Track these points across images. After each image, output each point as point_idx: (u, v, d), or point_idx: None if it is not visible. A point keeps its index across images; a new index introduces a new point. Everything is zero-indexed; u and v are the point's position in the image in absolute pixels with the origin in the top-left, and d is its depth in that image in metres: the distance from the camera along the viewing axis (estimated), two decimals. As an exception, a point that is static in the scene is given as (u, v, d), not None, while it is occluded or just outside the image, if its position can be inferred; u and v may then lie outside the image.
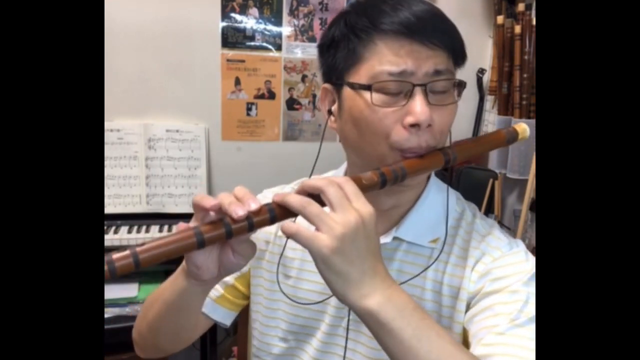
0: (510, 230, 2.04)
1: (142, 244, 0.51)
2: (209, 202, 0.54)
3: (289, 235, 0.53)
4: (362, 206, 0.53)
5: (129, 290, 1.72)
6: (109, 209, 1.80)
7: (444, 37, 0.62)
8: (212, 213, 0.56)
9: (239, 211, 0.53)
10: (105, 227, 1.73)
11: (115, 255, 0.50)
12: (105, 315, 1.61)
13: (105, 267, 0.49)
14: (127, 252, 0.50)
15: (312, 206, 0.52)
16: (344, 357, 0.74)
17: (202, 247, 0.53)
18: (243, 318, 0.94)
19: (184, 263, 0.63)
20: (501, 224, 2.05)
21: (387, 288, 0.54)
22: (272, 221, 0.55)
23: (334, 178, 0.55)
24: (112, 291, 1.68)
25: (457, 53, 0.65)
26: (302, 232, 0.52)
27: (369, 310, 0.52)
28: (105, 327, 1.55)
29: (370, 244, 0.53)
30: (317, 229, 0.52)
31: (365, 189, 0.58)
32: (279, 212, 0.55)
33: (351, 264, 0.52)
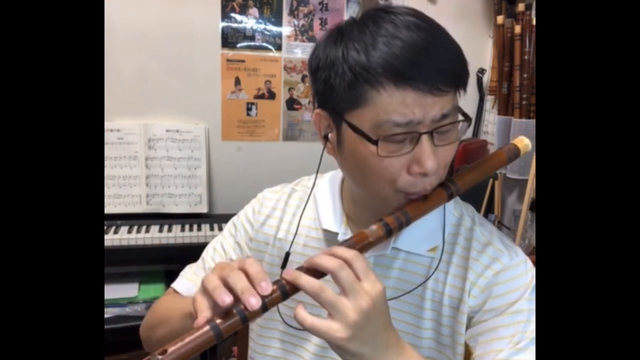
0: (510, 231, 2.04)
1: (164, 351, 0.52)
2: (222, 298, 0.53)
3: (305, 328, 0.54)
4: (372, 286, 0.55)
5: (129, 290, 1.72)
6: (109, 209, 1.80)
7: (450, 77, 0.58)
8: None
9: (252, 301, 0.53)
10: (105, 227, 1.73)
11: None
12: (105, 315, 1.61)
13: None
14: None
15: (326, 293, 0.53)
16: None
17: (221, 339, 0.55)
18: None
19: (191, 308, 0.61)
20: (501, 223, 2.05)
21: (399, 357, 0.57)
22: (283, 297, 0.57)
23: (344, 253, 0.56)
24: (112, 291, 1.68)
25: (461, 84, 0.61)
26: (317, 325, 0.53)
27: None
28: (105, 327, 1.55)
29: (381, 322, 0.56)
30: (329, 315, 0.54)
31: (372, 245, 0.60)
32: (290, 288, 0.56)
33: (364, 345, 0.54)
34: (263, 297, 0.55)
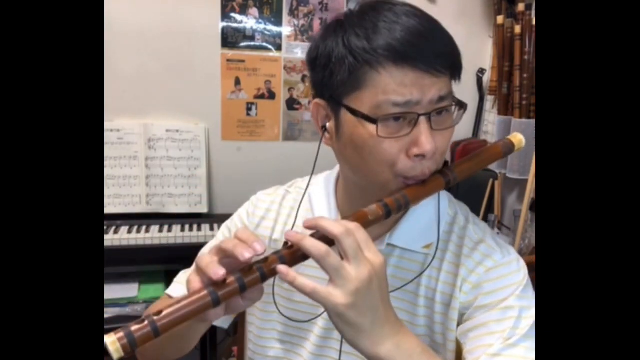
0: (510, 230, 2.04)
1: (159, 312, 0.51)
2: (214, 271, 0.53)
3: (306, 293, 0.53)
4: (374, 256, 0.54)
5: (129, 290, 1.72)
6: (109, 209, 1.80)
7: (446, 60, 0.61)
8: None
9: (245, 253, 0.53)
10: (105, 227, 1.73)
11: (134, 327, 0.50)
12: (105, 315, 1.61)
13: (125, 340, 0.49)
14: (144, 322, 0.51)
15: (332, 258, 0.53)
16: (339, 359, 0.74)
17: (218, 305, 0.54)
18: (243, 318, 0.94)
19: None
20: (501, 224, 2.05)
21: (396, 334, 0.56)
22: (282, 264, 0.56)
23: (347, 224, 0.55)
24: (112, 291, 1.68)
25: (456, 71, 0.64)
26: (319, 290, 0.53)
27: (380, 357, 0.55)
28: (105, 327, 1.55)
29: (381, 294, 0.55)
30: (331, 281, 0.53)
31: (371, 223, 0.59)
32: (289, 259, 0.56)
33: (363, 315, 0.53)
34: (262, 266, 0.54)
